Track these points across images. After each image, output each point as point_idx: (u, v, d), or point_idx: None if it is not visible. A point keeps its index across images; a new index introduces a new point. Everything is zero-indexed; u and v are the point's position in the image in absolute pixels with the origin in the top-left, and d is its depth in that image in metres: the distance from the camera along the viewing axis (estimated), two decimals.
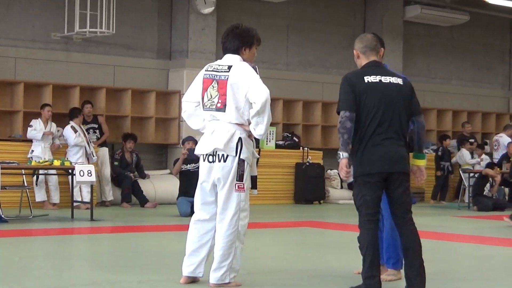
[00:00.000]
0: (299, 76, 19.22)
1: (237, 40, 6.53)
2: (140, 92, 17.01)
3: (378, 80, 6.27)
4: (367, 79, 6.26)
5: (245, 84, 6.32)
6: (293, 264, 7.83)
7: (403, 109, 6.31)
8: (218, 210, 6.43)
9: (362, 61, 6.44)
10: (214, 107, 6.42)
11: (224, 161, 6.36)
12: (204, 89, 6.48)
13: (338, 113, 6.23)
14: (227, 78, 6.38)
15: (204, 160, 6.46)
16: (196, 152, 6.56)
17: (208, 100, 6.45)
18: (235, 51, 6.53)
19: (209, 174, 6.43)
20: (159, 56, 17.46)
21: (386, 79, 6.30)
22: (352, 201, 6.50)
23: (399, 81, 6.36)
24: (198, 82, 6.57)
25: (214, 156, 6.39)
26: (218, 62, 6.55)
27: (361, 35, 6.59)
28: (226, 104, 6.37)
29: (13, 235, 10.61)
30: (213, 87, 6.43)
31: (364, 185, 6.20)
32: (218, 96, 6.40)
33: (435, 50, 21.84)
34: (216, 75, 6.44)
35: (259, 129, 6.37)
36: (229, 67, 6.42)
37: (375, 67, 6.37)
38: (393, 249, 7.07)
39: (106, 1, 15.64)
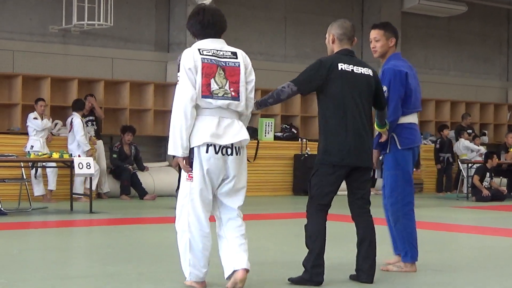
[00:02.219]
0: (297, 68, 19.02)
1: (224, 23, 6.01)
2: (138, 84, 17.01)
3: (350, 70, 6.30)
4: (341, 66, 6.28)
5: (251, 78, 5.99)
6: (293, 256, 7.83)
7: (370, 101, 6.42)
8: (231, 207, 5.93)
9: (335, 47, 6.46)
10: (229, 96, 5.82)
11: (240, 154, 5.89)
12: (208, 75, 5.77)
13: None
14: (239, 65, 5.90)
15: (217, 152, 5.76)
16: (206, 141, 5.74)
17: (220, 88, 5.81)
18: (219, 36, 5.98)
19: (223, 167, 5.82)
20: (157, 48, 17.46)
21: (358, 69, 6.34)
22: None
23: (370, 72, 6.41)
24: (193, 70, 5.78)
25: (231, 149, 5.83)
26: (211, 46, 5.90)
27: (339, 21, 6.53)
28: (240, 93, 5.88)
29: (12, 227, 10.62)
30: (220, 74, 5.83)
31: (325, 176, 6.24)
32: (228, 84, 5.83)
33: (433, 41, 21.85)
34: (220, 61, 5.84)
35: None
36: (234, 53, 5.94)
37: (349, 56, 6.39)
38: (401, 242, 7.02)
39: None
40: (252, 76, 6.00)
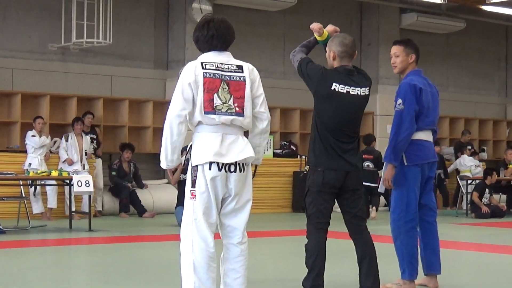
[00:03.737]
0: (296, 84, 19.19)
1: (230, 35, 5.71)
2: (137, 102, 17.03)
3: (345, 91, 6.16)
4: (335, 87, 6.15)
5: (260, 92, 5.75)
6: (291, 274, 7.82)
7: (360, 121, 6.35)
8: (236, 232, 5.66)
9: (335, 64, 6.31)
10: (233, 111, 5.56)
11: (243, 171, 5.62)
12: (211, 90, 5.52)
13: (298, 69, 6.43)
14: (245, 80, 5.63)
15: (220, 169, 5.50)
16: (209, 160, 5.50)
17: (224, 104, 5.54)
18: (226, 48, 5.71)
19: (226, 185, 5.57)
20: (156, 66, 17.49)
21: (354, 91, 6.19)
22: None
23: (366, 91, 6.28)
24: (194, 85, 5.52)
25: (234, 166, 5.56)
26: (215, 59, 5.63)
27: (340, 37, 6.46)
28: (245, 108, 5.61)
29: (11, 246, 10.61)
30: (224, 88, 5.57)
31: (318, 193, 6.18)
32: (232, 99, 5.57)
33: (432, 58, 21.87)
34: (224, 75, 5.57)
35: (262, 151, 5.88)
36: (239, 67, 5.67)
37: (347, 75, 6.23)
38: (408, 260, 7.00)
39: (103, 11, 15.68)
40: (261, 90, 5.76)
